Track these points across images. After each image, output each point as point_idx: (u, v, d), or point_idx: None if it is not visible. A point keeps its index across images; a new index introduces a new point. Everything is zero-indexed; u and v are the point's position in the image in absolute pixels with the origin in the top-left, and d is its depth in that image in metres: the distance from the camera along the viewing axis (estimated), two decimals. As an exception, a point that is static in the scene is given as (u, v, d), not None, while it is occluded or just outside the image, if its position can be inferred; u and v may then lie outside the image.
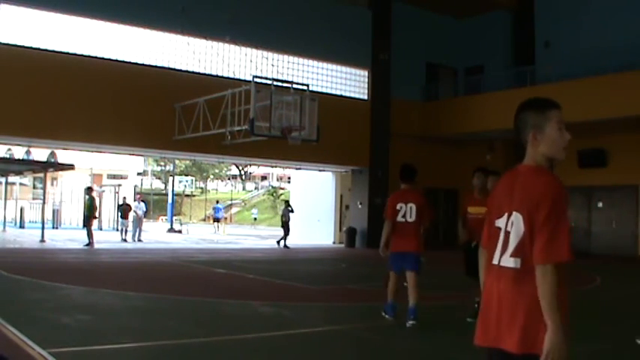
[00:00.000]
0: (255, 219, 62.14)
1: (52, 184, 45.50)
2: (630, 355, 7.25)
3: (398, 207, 8.73)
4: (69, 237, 28.18)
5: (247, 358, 7.03)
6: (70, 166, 27.23)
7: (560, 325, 2.77)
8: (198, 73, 23.86)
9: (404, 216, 8.68)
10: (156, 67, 23.26)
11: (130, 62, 22.74)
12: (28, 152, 44.00)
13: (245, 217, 69.74)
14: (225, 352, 7.22)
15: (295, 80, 23.02)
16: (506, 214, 3.04)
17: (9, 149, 43.95)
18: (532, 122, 3.11)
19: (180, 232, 39.75)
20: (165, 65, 23.51)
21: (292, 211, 27.87)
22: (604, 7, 25.10)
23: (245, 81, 21.57)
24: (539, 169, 3.07)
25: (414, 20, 28.88)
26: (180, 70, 23.57)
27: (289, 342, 7.81)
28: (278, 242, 27.63)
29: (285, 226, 27.48)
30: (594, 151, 25.21)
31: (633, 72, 22.17)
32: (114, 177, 59.04)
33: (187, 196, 78.17)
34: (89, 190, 25.23)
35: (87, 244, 23.01)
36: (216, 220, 42.70)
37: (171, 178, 52.34)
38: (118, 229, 29.56)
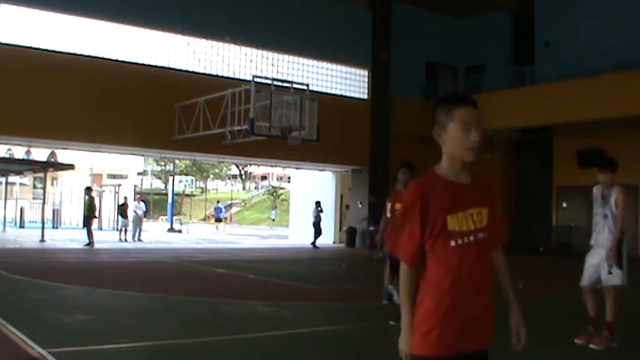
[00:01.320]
0: (274, 220, 61.83)
1: (52, 184, 45.51)
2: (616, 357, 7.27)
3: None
4: (69, 237, 28.19)
5: (247, 358, 7.04)
6: (70, 166, 27.25)
7: (404, 319, 2.94)
8: (198, 73, 23.89)
9: None
10: (156, 67, 23.29)
11: (130, 62, 22.77)
12: (28, 152, 44.02)
13: (245, 216, 69.71)
14: (225, 352, 7.22)
15: (295, 80, 23.04)
16: None
17: (9, 149, 43.98)
18: (438, 119, 2.99)
19: (180, 231, 39.75)
20: (165, 65, 23.54)
21: (322, 210, 27.95)
22: (603, 7, 25.10)
23: (245, 81, 21.58)
24: (427, 173, 3.04)
25: (414, 20, 28.87)
26: (180, 70, 23.60)
27: (289, 342, 7.81)
28: (313, 244, 27.46)
29: (317, 227, 27.61)
30: (594, 151, 25.19)
31: (633, 72, 22.17)
32: (114, 177, 59.02)
33: (187, 195, 78.11)
34: (89, 190, 25.26)
35: (87, 244, 23.03)
36: (218, 220, 42.67)
37: (171, 178, 52.37)
38: (117, 229, 29.58)
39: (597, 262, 7.43)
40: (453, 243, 2.90)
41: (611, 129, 24.11)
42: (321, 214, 27.96)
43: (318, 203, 28.34)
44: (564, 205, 26.86)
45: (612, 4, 24.87)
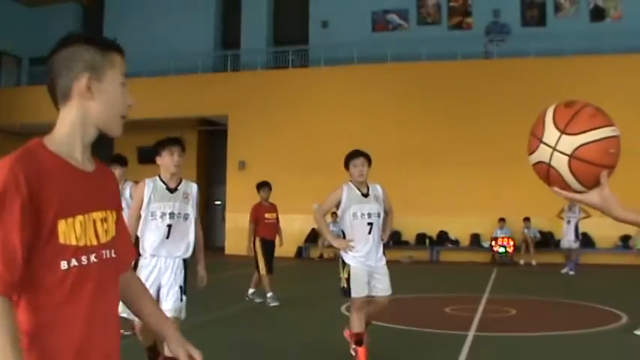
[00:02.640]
0: None
1: None
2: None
3: None
4: None
5: None
6: None
7: None
8: None
9: None
10: None
11: None
12: None
13: None
14: None
15: None
16: None
17: None
18: (89, 62, 1.90)
19: None
20: None
21: None
22: (171, 14, 26.48)
23: None
24: (30, 146, 1.86)
25: (-21, 3, 27.24)
26: None
27: None
28: None
29: None
30: (154, 149, 26.54)
31: (195, 75, 24.42)
32: None
33: None
34: None
35: None
36: None
37: None
38: None
39: None
40: (64, 265, 1.80)
41: (172, 127, 25.60)
42: None
43: None
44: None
45: (178, 13, 26.42)
